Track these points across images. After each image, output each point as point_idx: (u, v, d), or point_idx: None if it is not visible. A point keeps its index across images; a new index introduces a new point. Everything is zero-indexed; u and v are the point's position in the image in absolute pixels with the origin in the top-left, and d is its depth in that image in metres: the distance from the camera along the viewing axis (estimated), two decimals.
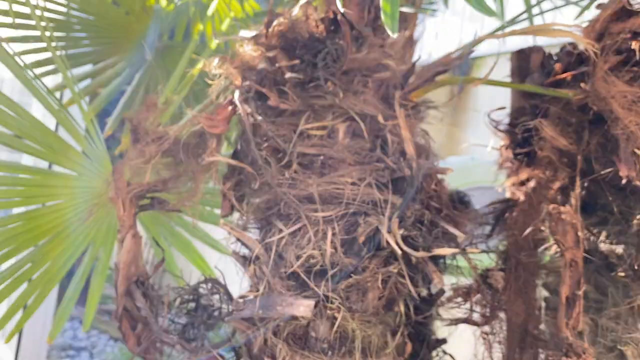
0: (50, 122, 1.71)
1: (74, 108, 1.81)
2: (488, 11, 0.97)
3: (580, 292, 1.05)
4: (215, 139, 1.15)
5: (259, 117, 1.14)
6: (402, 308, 1.23)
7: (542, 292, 1.30)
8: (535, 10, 1.87)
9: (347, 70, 1.15)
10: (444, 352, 1.45)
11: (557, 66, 1.38)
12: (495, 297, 1.20)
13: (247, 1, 2.22)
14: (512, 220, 1.25)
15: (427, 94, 1.28)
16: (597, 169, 1.10)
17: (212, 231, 1.91)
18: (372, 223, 1.13)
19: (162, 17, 2.14)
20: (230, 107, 1.16)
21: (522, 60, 1.46)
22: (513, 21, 1.79)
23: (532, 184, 1.26)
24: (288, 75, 1.12)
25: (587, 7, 1.88)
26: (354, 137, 1.17)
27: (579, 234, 1.06)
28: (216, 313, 1.25)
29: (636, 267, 1.15)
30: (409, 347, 1.27)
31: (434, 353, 1.43)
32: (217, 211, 1.88)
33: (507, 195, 1.52)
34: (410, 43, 1.42)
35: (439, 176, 1.21)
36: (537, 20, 2.13)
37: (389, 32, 0.94)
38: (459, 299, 1.22)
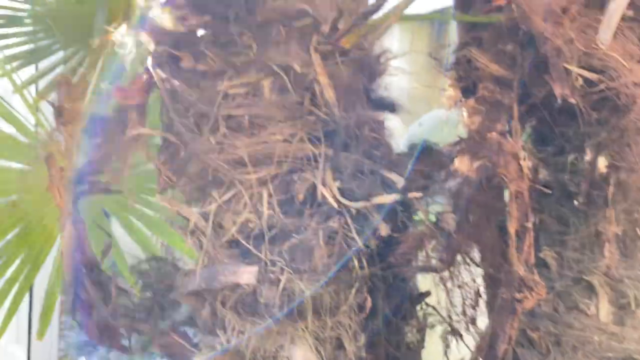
0: None
1: None
2: None
3: (529, 224, 0.99)
4: (135, 112, 1.10)
5: (176, 83, 1.09)
6: (356, 263, 1.19)
7: None
8: None
9: (264, 22, 1.09)
10: (427, 305, 1.42)
11: None
12: (451, 241, 1.14)
13: None
14: (460, 159, 1.19)
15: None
16: (535, 93, 1.03)
17: None
18: (308, 179, 1.08)
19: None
20: (146, 76, 1.11)
21: None
22: None
23: (478, 119, 1.20)
24: (200, 34, 1.06)
25: None
26: (282, 92, 1.12)
27: (522, 163, 1.00)
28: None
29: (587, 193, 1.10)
30: (368, 303, 1.23)
31: (418, 307, 1.40)
32: None
33: None
34: None
35: (379, 122, 1.15)
36: None
37: None
38: (413, 247, 1.17)
